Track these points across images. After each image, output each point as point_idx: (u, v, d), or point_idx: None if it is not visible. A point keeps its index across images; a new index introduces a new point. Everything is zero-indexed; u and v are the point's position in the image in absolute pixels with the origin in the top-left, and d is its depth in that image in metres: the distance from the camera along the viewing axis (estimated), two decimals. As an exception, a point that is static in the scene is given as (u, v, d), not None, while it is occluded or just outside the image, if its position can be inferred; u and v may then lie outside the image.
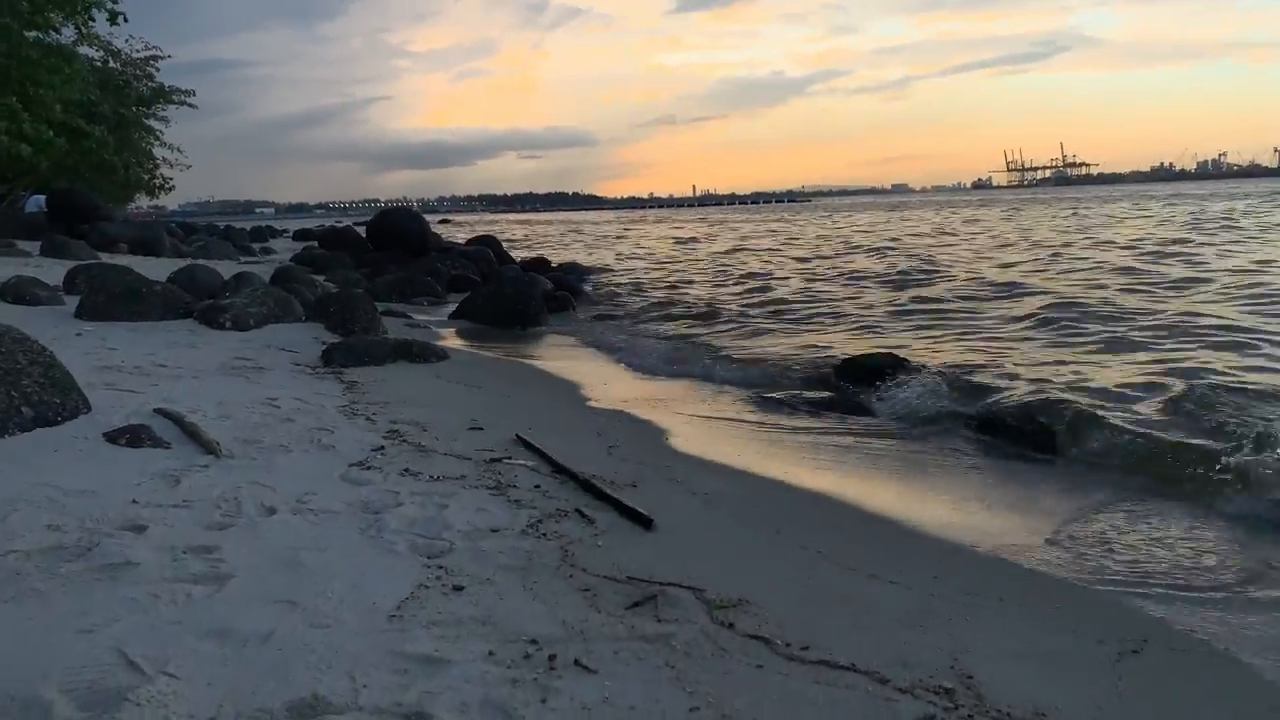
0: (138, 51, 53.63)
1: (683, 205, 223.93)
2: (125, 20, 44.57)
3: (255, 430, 3.70)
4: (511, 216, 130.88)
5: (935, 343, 7.54)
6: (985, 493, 3.61)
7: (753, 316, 9.77)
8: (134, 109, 53.43)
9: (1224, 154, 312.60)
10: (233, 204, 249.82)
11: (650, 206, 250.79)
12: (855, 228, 34.51)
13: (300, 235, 39.36)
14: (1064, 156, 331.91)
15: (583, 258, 22.78)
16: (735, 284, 13.98)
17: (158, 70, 55.58)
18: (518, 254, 20.48)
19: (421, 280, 11.61)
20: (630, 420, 4.61)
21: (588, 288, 13.56)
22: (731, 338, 8.37)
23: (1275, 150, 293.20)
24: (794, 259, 18.42)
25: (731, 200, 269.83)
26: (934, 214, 49.72)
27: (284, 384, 4.86)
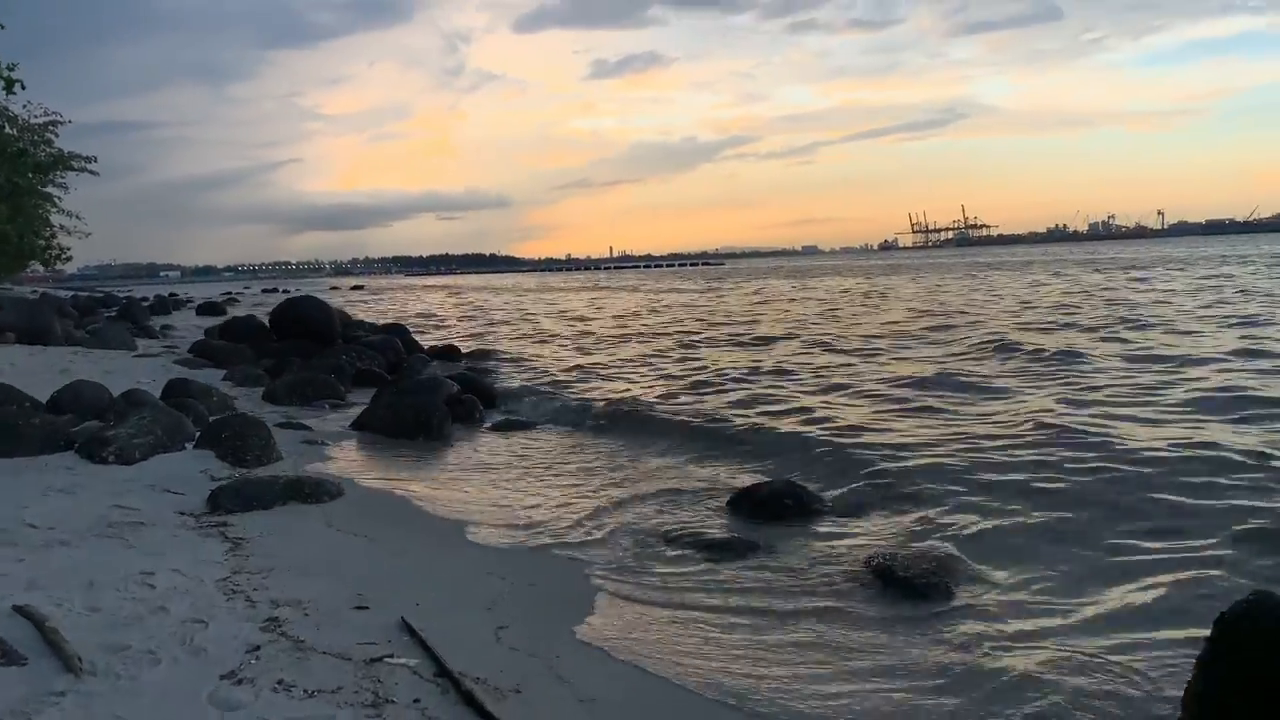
0: (36, 117, 51.85)
1: (600, 267, 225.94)
2: (23, 88, 43.12)
3: (124, 628, 3.53)
4: (428, 280, 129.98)
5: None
6: (878, 686, 3.64)
7: (662, 421, 9.80)
8: (30, 176, 51.73)
9: (1112, 216, 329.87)
10: (136, 267, 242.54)
11: (568, 267, 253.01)
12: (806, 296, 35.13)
13: (204, 309, 38.48)
14: (965, 218, 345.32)
15: (497, 334, 22.70)
16: (657, 369, 14.04)
17: (56, 136, 53.88)
18: (429, 338, 20.31)
19: (323, 381, 11.38)
20: (521, 585, 4.53)
21: (498, 382, 13.47)
22: (642, 453, 8.38)
23: (1159, 213, 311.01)
24: (726, 346, 18.56)
25: (648, 261, 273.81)
26: (845, 279, 50.99)
27: (163, 548, 4.66)
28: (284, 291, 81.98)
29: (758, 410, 10.15)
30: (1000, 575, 4.75)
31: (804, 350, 16.07)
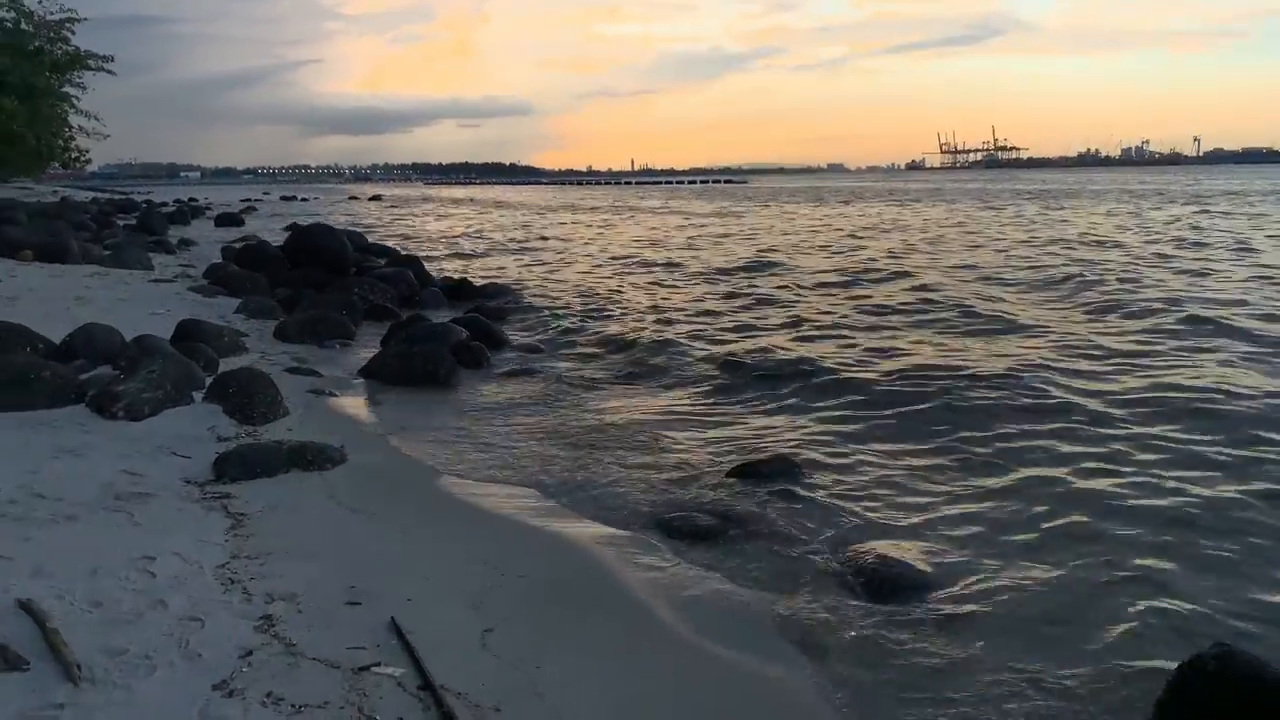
0: (52, 14, 51.03)
1: (621, 181, 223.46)
2: (41, -13, 42.29)
3: (123, 628, 3.66)
4: (447, 191, 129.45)
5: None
6: None
7: (679, 365, 9.94)
8: (47, 75, 51.18)
9: (1147, 141, 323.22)
10: (155, 167, 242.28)
11: (588, 180, 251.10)
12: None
13: (223, 220, 38.42)
14: (995, 140, 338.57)
15: (516, 262, 22.67)
16: (685, 307, 13.99)
17: (73, 34, 53.17)
18: (445, 265, 20.28)
19: (335, 320, 11.47)
20: (512, 575, 4.63)
21: (511, 319, 13.52)
22: (653, 400, 8.48)
23: (1195, 140, 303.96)
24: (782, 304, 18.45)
25: (670, 177, 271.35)
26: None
27: (167, 525, 4.79)
28: (302, 199, 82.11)
29: (787, 347, 10.26)
30: (996, 574, 4.83)
31: (852, 287, 15.99)
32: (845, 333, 12.00)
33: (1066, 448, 6.88)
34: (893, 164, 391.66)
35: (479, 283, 16.58)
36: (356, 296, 13.53)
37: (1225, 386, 8.33)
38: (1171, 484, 6.06)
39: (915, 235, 29.35)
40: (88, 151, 56.66)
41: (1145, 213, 39.29)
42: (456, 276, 17.17)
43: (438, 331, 10.19)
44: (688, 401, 8.79)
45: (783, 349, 10.85)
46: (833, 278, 17.98)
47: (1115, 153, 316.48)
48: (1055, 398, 8.24)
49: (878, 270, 18.89)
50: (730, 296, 15.75)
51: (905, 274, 18.05)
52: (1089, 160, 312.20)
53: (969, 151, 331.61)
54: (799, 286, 16.82)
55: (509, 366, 10.21)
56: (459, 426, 7.71)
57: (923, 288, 15.89)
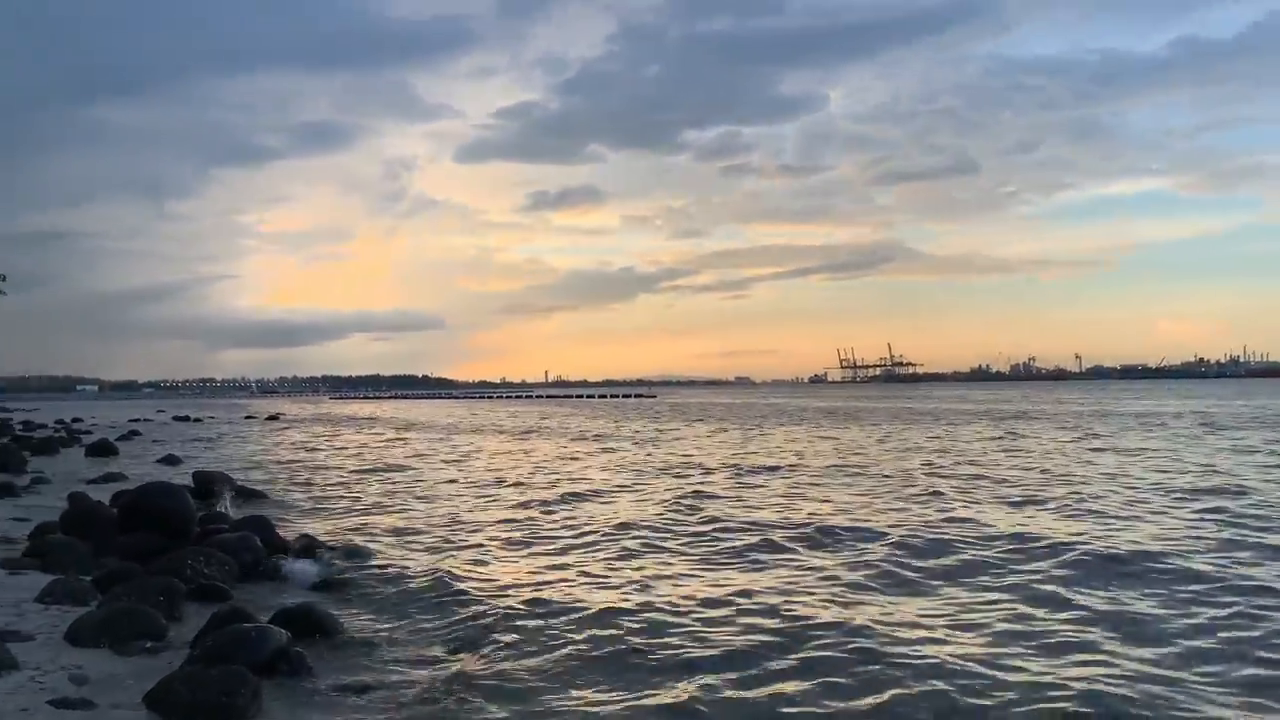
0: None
1: (533, 395, 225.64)
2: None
3: None
4: (353, 407, 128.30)
5: None
6: None
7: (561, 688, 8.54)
8: (-72, 291, 50.08)
9: (1033, 358, 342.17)
10: (53, 380, 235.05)
11: (502, 391, 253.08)
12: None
13: (95, 449, 36.30)
14: (892, 356, 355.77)
15: (392, 507, 21.01)
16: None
17: (-26, 252, 53.07)
18: (298, 526, 18.56)
19: (141, 614, 9.91)
20: None
21: (354, 603, 12.03)
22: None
23: (1076, 357, 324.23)
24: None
25: (582, 389, 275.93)
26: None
27: None
28: (194, 419, 78.91)
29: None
30: None
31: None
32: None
33: None
34: (797, 377, 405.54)
35: (333, 543, 15.17)
36: (190, 570, 12.08)
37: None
38: None
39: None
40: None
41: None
42: (317, 534, 15.71)
43: (249, 639, 8.70)
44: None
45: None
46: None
47: (1005, 368, 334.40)
48: None
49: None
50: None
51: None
52: (981, 375, 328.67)
53: (868, 367, 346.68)
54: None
55: (336, 676, 8.80)
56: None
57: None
